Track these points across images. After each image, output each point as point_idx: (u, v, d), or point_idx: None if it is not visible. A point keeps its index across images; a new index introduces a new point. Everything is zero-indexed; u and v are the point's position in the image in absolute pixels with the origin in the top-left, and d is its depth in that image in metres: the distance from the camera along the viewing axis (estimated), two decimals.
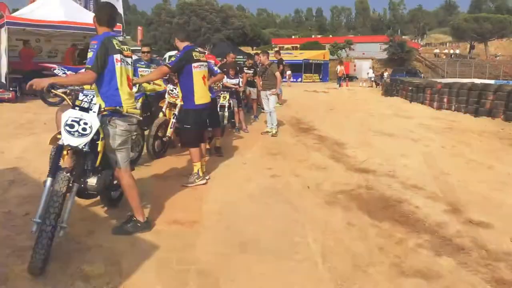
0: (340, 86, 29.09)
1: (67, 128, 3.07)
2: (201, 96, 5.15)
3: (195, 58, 5.02)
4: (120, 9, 14.90)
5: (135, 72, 7.13)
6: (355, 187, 5.44)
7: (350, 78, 41.58)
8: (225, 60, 10.74)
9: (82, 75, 3.42)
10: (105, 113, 3.32)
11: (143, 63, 7.15)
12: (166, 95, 6.59)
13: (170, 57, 11.14)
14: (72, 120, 3.09)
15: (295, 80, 41.12)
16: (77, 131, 3.07)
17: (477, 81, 34.47)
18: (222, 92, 8.78)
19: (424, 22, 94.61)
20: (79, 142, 3.07)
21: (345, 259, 3.40)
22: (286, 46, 63.24)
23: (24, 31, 13.91)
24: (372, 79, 34.17)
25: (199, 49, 6.53)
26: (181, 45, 5.03)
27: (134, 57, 5.01)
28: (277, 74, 9.38)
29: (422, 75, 41.68)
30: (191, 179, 5.09)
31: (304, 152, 7.61)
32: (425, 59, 56.59)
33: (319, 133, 9.58)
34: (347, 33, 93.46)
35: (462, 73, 47.22)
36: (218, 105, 8.71)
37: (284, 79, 21.18)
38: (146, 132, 6.25)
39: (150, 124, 6.34)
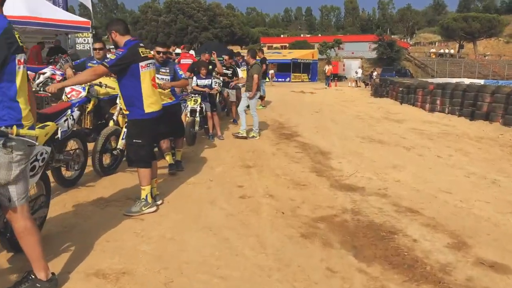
0: (328, 86, 28.38)
1: None
2: (152, 102, 4.16)
3: (142, 55, 4.01)
4: (89, 4, 13.86)
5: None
6: (339, 212, 4.53)
7: (339, 78, 40.88)
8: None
9: None
10: None
11: (95, 62, 6.15)
12: (118, 100, 5.61)
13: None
14: None
15: (283, 79, 40.49)
16: None
17: (467, 80, 34.11)
18: (192, 95, 7.83)
19: (413, 21, 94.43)
20: None
21: None
22: (275, 45, 62.50)
23: None
24: (361, 79, 33.41)
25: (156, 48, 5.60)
26: (122, 39, 4.00)
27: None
28: (255, 76, 8.47)
29: (411, 75, 41.16)
30: (136, 207, 4.11)
31: (284, 163, 6.69)
32: (415, 58, 56.15)
33: (302, 140, 8.67)
34: (336, 32, 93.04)
35: (451, 73, 46.90)
36: (188, 110, 7.80)
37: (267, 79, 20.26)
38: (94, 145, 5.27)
39: None
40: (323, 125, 10.67)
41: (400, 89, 15.98)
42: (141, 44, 4.08)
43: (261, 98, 12.71)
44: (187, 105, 7.84)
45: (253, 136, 8.53)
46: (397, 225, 4.20)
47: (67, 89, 5.67)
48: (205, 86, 7.84)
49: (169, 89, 5.58)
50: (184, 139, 7.22)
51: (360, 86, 30.76)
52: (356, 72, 34.75)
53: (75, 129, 4.72)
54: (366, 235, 3.95)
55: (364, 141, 8.60)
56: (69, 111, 4.39)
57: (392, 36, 62.47)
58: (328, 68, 29.60)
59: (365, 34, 71.48)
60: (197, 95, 7.80)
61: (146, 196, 4.13)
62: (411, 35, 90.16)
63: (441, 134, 9.57)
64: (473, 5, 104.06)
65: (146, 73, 4.06)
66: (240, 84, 11.70)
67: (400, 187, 5.51)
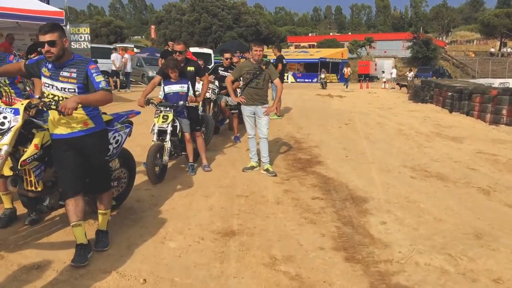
0: (346, 87, 26.65)
1: None
2: None
3: None
4: None
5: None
6: None
7: (370, 78, 37.85)
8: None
9: None
10: None
11: None
12: None
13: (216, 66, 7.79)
14: None
15: (310, 80, 38.27)
16: None
17: None
18: (162, 109, 5.33)
19: (448, 19, 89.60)
20: None
21: None
22: (302, 44, 59.81)
23: None
24: (395, 79, 30.31)
25: None
26: None
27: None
28: (277, 82, 5.84)
29: (449, 75, 37.74)
30: None
31: (291, 226, 4.07)
32: (452, 57, 52.11)
33: (324, 172, 6.00)
34: (367, 31, 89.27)
35: (494, 73, 43.06)
36: (155, 130, 5.32)
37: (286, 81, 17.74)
38: None
39: None
40: (355, 145, 7.92)
41: (449, 93, 13.00)
42: None
43: None
44: (154, 124, 5.34)
45: (251, 166, 5.93)
46: None
47: None
48: (175, 94, 5.32)
49: (80, 109, 3.07)
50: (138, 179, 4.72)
51: (394, 88, 27.67)
52: (391, 73, 31.54)
53: None
54: None
55: (417, 176, 5.85)
56: None
57: (427, 35, 58.53)
58: (346, 70, 29.76)
59: (397, 33, 67.64)
60: (168, 108, 5.29)
61: None
62: (447, 33, 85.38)
63: None
64: None
65: None
66: None
67: None
